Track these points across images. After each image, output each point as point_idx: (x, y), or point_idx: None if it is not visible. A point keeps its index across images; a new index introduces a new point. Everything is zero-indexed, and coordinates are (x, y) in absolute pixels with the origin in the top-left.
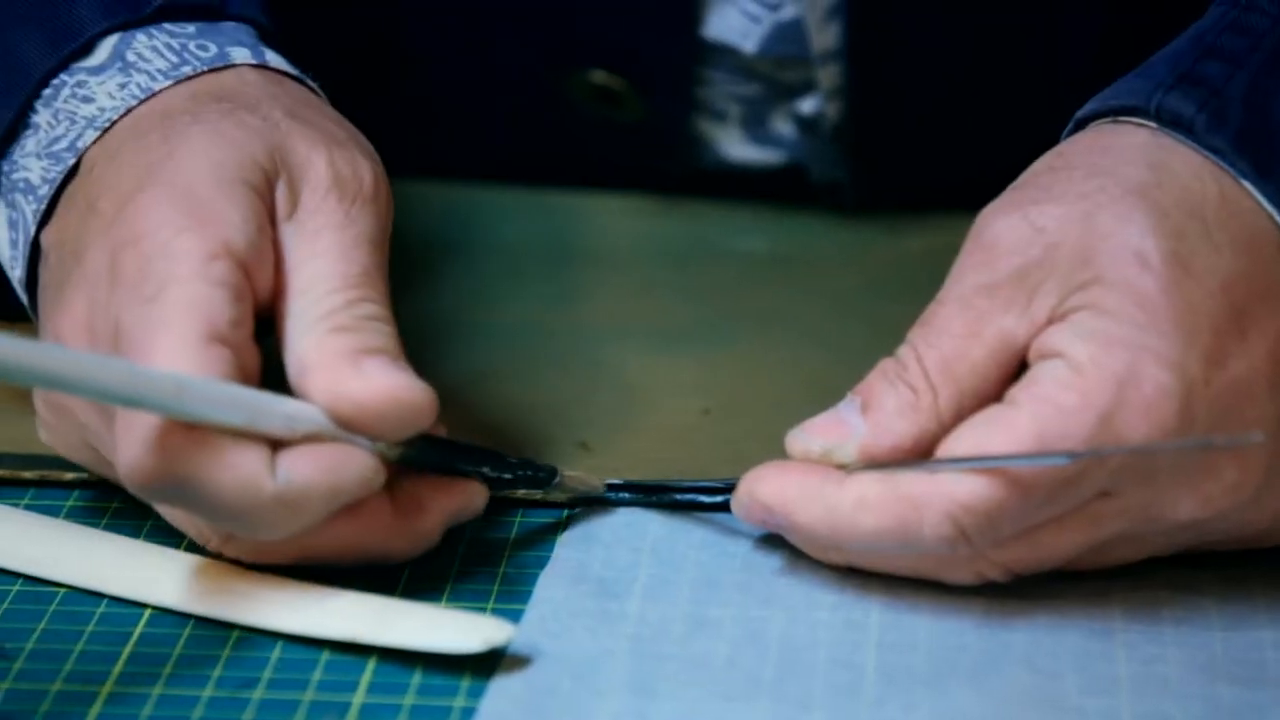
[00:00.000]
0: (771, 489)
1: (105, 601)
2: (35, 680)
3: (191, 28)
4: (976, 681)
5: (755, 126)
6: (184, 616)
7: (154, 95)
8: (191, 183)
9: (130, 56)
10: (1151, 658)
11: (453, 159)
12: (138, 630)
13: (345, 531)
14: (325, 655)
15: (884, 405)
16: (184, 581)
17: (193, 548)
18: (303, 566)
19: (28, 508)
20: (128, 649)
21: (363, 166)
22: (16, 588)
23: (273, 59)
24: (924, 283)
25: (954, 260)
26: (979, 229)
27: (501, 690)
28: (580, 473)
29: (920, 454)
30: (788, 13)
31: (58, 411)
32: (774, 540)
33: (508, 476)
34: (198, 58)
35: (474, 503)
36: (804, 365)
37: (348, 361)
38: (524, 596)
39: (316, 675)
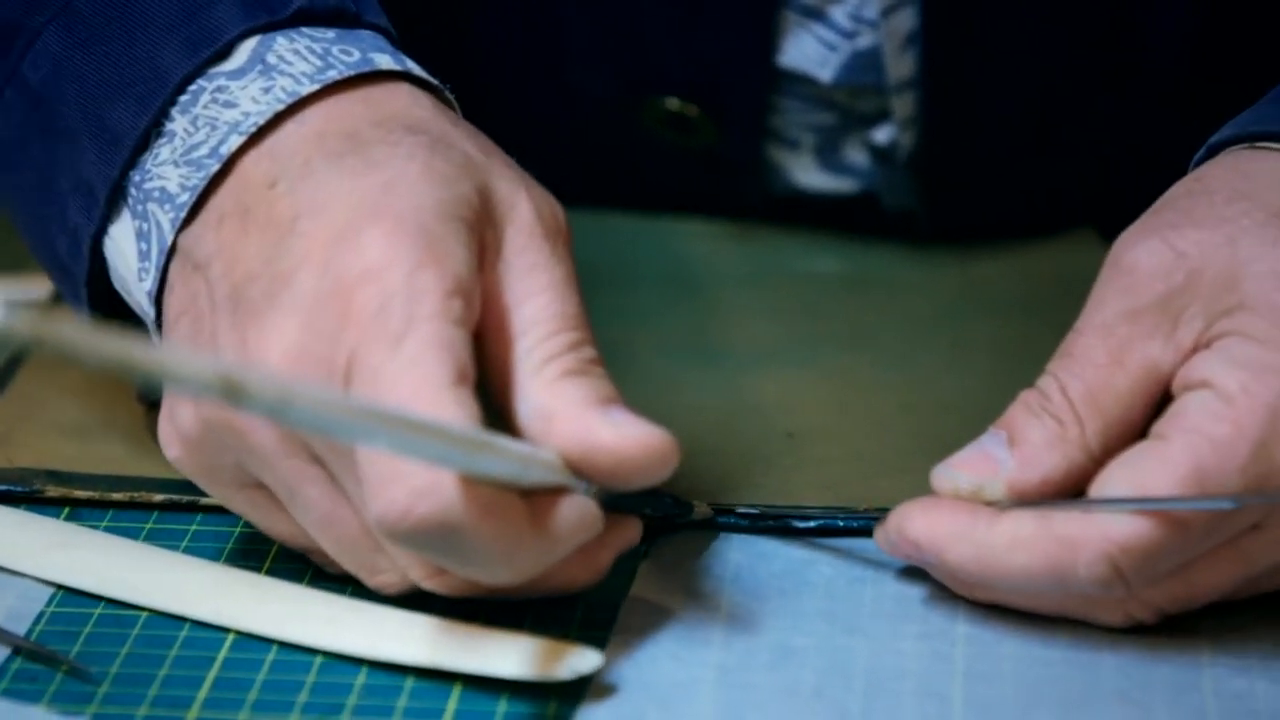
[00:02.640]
0: (921, 527)
1: (189, 625)
2: (121, 704)
3: (331, 33)
4: (1067, 713)
5: (828, 155)
6: (268, 642)
7: (301, 100)
8: (421, 218)
9: (271, 59)
10: (1241, 691)
11: None
12: (221, 655)
13: (552, 570)
14: (410, 682)
15: (1030, 438)
16: (267, 606)
17: (283, 571)
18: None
19: (107, 530)
20: (212, 674)
21: (556, 205)
22: (99, 611)
23: (413, 67)
24: (999, 306)
25: (1026, 285)
26: (1117, 255)
27: (588, 719)
28: (703, 504)
29: (1070, 486)
30: (864, 41)
31: (221, 432)
32: (855, 569)
33: (659, 515)
34: (342, 61)
35: (636, 538)
36: (886, 387)
37: (595, 411)
38: (606, 624)
39: (402, 702)
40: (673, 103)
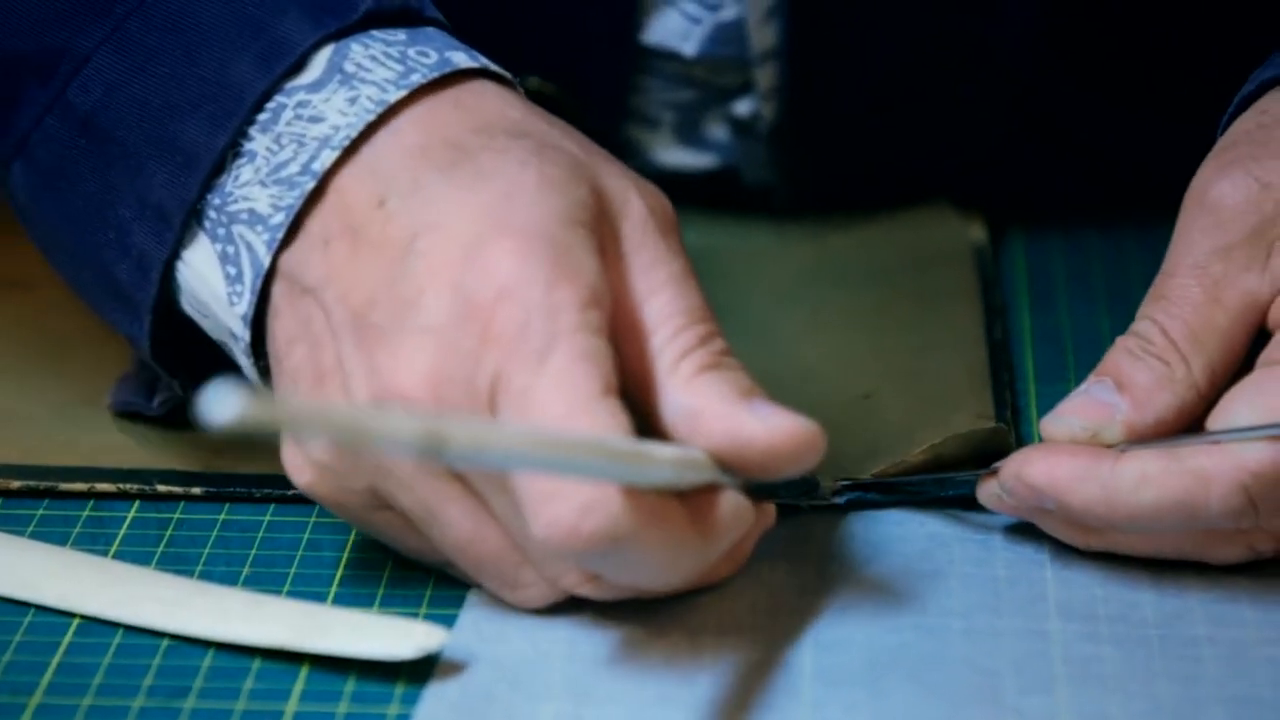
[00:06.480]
0: (1042, 470)
1: (33, 611)
2: None
3: (401, 34)
4: (916, 681)
5: (688, 131)
6: (113, 625)
7: (392, 109)
8: (548, 230)
9: (349, 68)
10: (1088, 656)
11: None
12: (66, 640)
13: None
14: (257, 663)
15: (1139, 381)
16: (113, 589)
17: (121, 552)
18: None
19: None
20: (56, 659)
21: (664, 198)
22: None
23: (487, 61)
24: (855, 276)
25: (883, 255)
26: (1199, 193)
27: (437, 696)
28: (830, 480)
29: (1181, 426)
30: (728, 13)
31: (355, 458)
32: None
33: (791, 494)
34: (422, 64)
35: (773, 521)
36: (748, 357)
37: (741, 406)
38: (457, 601)
39: (248, 684)
40: (533, 82)
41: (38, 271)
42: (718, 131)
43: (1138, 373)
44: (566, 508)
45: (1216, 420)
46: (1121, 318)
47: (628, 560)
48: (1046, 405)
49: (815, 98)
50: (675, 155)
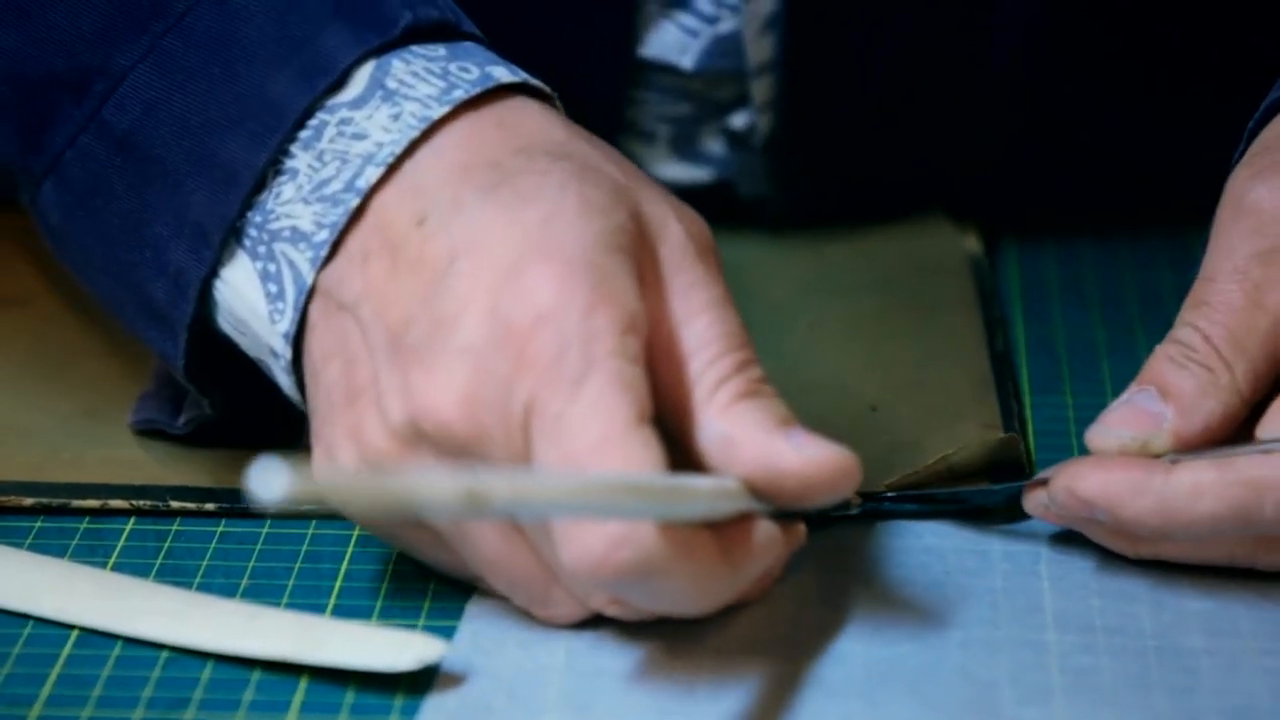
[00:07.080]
0: (1094, 483)
1: (32, 623)
2: None
3: (441, 49)
4: (913, 692)
5: (684, 145)
6: (112, 637)
7: (434, 125)
8: (588, 255)
9: (391, 84)
10: (1085, 668)
11: None
12: (65, 652)
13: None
14: (257, 675)
15: (1183, 388)
16: (112, 601)
17: (121, 565)
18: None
19: None
20: (55, 671)
21: (703, 223)
22: None
23: (527, 75)
24: (853, 285)
25: (879, 265)
26: (1237, 198)
27: (436, 708)
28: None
29: (1227, 432)
30: (725, 26)
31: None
32: None
33: (816, 511)
34: (464, 80)
35: (803, 539)
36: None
37: (777, 435)
38: (456, 613)
39: (248, 695)
40: None
41: (33, 287)
42: (713, 145)
43: (1182, 380)
44: (596, 538)
45: (1266, 429)
46: (1116, 328)
47: (657, 590)
48: (1042, 415)
49: (811, 110)
50: (671, 169)
